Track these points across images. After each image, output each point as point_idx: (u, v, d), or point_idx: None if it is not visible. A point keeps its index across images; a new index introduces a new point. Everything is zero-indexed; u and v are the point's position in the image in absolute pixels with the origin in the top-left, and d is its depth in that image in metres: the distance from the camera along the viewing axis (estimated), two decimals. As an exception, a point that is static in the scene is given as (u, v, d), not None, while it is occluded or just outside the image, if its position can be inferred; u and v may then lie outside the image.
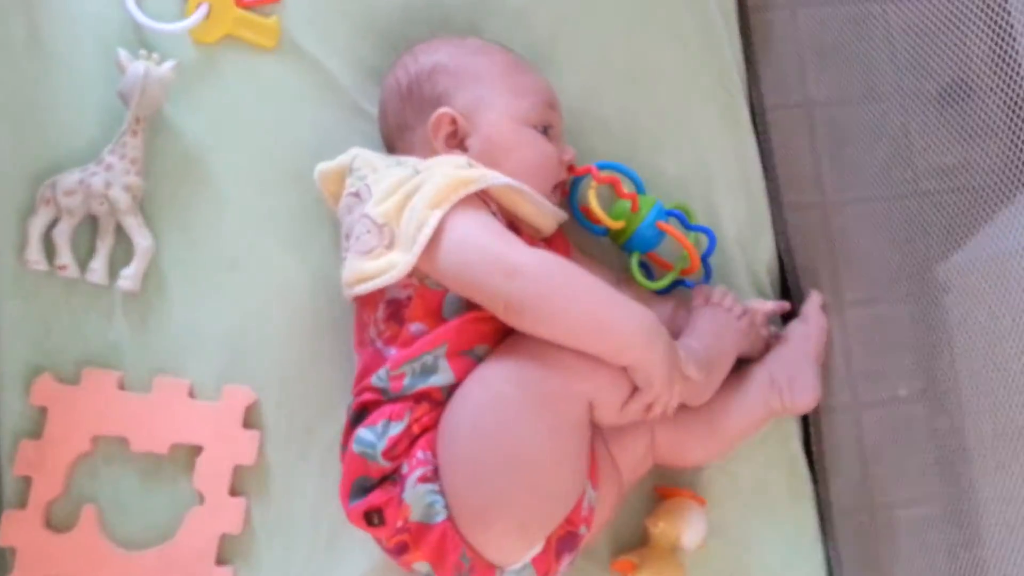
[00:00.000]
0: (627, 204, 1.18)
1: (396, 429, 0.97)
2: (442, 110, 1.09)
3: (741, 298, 1.18)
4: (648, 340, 0.97)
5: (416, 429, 0.97)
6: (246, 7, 1.21)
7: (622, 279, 1.20)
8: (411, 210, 0.99)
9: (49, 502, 1.09)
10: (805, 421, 1.21)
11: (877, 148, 1.16)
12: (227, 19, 1.20)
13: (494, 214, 1.04)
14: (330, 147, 1.15)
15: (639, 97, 1.26)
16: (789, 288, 1.25)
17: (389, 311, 1.02)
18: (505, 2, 1.26)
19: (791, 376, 1.14)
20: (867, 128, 1.17)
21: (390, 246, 1.00)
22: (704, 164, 1.26)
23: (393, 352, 1.00)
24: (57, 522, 1.10)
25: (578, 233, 1.21)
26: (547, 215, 1.11)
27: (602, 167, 1.18)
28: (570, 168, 1.16)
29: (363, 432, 0.98)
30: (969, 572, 1.01)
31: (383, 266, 1.00)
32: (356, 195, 1.05)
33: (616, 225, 1.18)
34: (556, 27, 1.26)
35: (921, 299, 1.08)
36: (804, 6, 1.28)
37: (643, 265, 1.22)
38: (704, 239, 1.22)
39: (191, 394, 1.13)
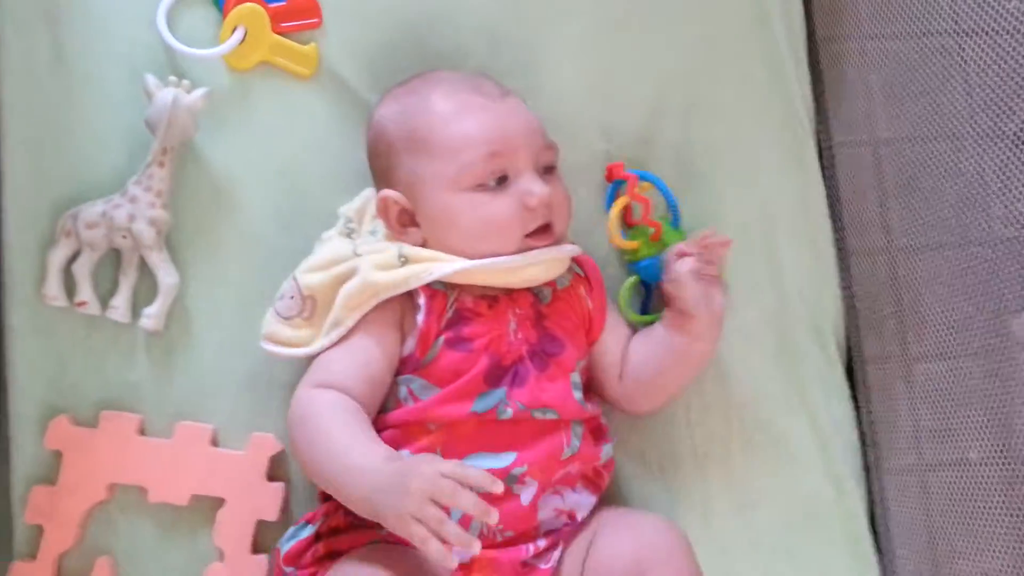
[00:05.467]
0: (650, 229, 1.14)
1: None
2: (383, 193, 1.04)
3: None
4: (370, 501, 0.87)
5: None
6: (283, 33, 1.15)
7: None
8: (340, 297, 1.00)
9: (61, 553, 1.05)
10: (870, 489, 1.16)
11: (949, 191, 1.10)
12: (263, 45, 1.14)
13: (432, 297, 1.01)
14: (364, 183, 1.12)
15: (698, 135, 1.20)
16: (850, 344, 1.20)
17: None
18: (559, 34, 1.19)
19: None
20: (938, 169, 1.11)
21: (309, 319, 1.03)
22: (767, 209, 1.19)
23: None
24: (69, 575, 1.06)
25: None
26: (521, 270, 1.03)
27: (644, 178, 1.16)
28: (612, 169, 1.15)
29: None
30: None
31: (294, 339, 1.03)
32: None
33: (627, 245, 1.14)
34: (612, 60, 1.20)
35: (995, 354, 1.03)
36: (873, 39, 1.21)
37: (645, 285, 1.16)
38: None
39: (214, 441, 1.08)
